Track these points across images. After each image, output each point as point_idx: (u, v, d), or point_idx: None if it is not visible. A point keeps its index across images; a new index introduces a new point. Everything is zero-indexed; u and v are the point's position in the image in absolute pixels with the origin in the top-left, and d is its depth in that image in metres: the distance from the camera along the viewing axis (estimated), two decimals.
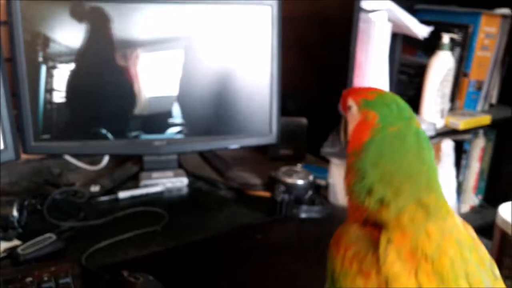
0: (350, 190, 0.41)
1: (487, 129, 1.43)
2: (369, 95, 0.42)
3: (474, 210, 1.46)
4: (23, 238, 0.69)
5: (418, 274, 0.34)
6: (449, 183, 0.67)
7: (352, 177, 0.40)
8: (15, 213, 0.71)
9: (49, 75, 0.82)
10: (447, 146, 0.65)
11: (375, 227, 0.38)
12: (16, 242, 0.69)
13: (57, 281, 0.55)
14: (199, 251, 0.69)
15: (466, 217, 0.79)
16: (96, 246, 0.67)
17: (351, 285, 0.36)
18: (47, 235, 0.68)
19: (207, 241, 0.71)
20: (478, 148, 1.43)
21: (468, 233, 0.39)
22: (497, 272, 0.38)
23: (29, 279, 0.55)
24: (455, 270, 0.35)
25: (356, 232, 0.39)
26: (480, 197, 1.48)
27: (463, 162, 1.42)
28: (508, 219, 0.58)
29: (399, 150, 0.39)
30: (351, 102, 0.43)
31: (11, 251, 0.67)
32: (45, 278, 0.55)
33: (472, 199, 1.48)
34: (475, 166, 1.45)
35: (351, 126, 0.42)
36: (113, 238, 0.70)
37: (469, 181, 1.46)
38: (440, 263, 0.35)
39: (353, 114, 0.42)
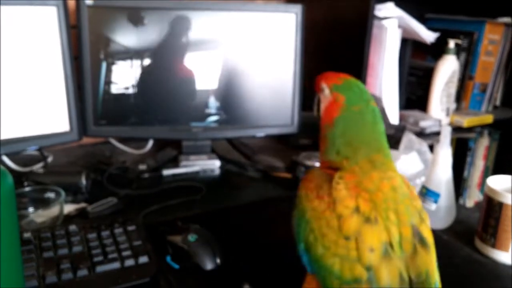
0: (323, 152, 0.55)
1: (491, 129, 1.54)
2: (338, 81, 0.55)
3: (478, 205, 1.57)
4: (88, 201, 0.84)
5: (358, 199, 0.47)
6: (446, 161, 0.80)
7: (325, 143, 0.54)
8: (83, 180, 0.86)
9: (108, 70, 0.97)
10: (446, 129, 0.78)
11: (334, 171, 0.51)
12: (83, 204, 0.83)
13: (125, 228, 0.69)
14: (233, 214, 0.83)
15: (470, 212, 0.91)
16: (149, 209, 0.82)
17: (310, 205, 0.50)
18: (109, 198, 0.83)
19: (240, 208, 0.85)
20: (483, 146, 1.54)
21: (407, 187, 0.51)
22: (426, 219, 0.50)
23: (103, 226, 0.69)
24: (386, 203, 0.47)
25: (319, 172, 0.53)
26: None
27: (468, 159, 1.53)
28: (493, 187, 0.71)
29: (359, 124, 0.53)
30: (324, 85, 0.56)
31: (81, 211, 0.82)
32: (116, 225, 0.69)
33: (477, 195, 1.59)
34: (479, 164, 1.56)
35: (323, 105, 0.56)
36: (162, 203, 0.84)
37: (474, 177, 1.57)
38: (375, 196, 0.47)
39: (326, 95, 0.55)
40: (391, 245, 0.45)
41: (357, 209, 0.46)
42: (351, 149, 0.52)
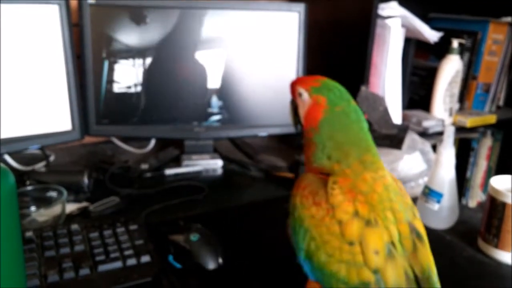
0: (310, 158, 0.53)
1: (494, 129, 1.53)
2: (315, 83, 0.54)
3: (481, 206, 1.56)
4: (90, 200, 0.84)
5: (355, 202, 0.47)
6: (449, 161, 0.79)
7: (312, 148, 0.53)
8: (85, 180, 0.86)
9: (110, 69, 0.97)
10: (449, 129, 0.78)
11: (326, 176, 0.51)
12: (85, 203, 0.83)
13: (127, 227, 0.69)
14: (235, 214, 0.83)
15: (473, 212, 0.90)
16: (151, 208, 0.81)
17: (307, 213, 0.49)
18: (111, 198, 0.83)
19: (242, 207, 0.85)
20: (486, 147, 1.53)
21: (396, 183, 0.52)
22: (417, 213, 0.51)
23: (105, 225, 0.69)
24: (382, 203, 0.48)
25: (312, 178, 0.52)
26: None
27: (471, 159, 1.53)
28: (497, 187, 0.71)
29: (345, 124, 0.52)
30: (301, 89, 0.55)
31: (82, 210, 0.82)
32: (118, 224, 0.69)
33: (480, 195, 1.58)
34: (482, 164, 1.55)
35: (303, 110, 0.55)
36: (164, 203, 0.84)
37: (477, 178, 1.56)
38: (371, 197, 0.48)
39: (304, 99, 0.54)
40: (393, 244, 0.46)
41: (356, 213, 0.46)
42: (341, 152, 0.51)
